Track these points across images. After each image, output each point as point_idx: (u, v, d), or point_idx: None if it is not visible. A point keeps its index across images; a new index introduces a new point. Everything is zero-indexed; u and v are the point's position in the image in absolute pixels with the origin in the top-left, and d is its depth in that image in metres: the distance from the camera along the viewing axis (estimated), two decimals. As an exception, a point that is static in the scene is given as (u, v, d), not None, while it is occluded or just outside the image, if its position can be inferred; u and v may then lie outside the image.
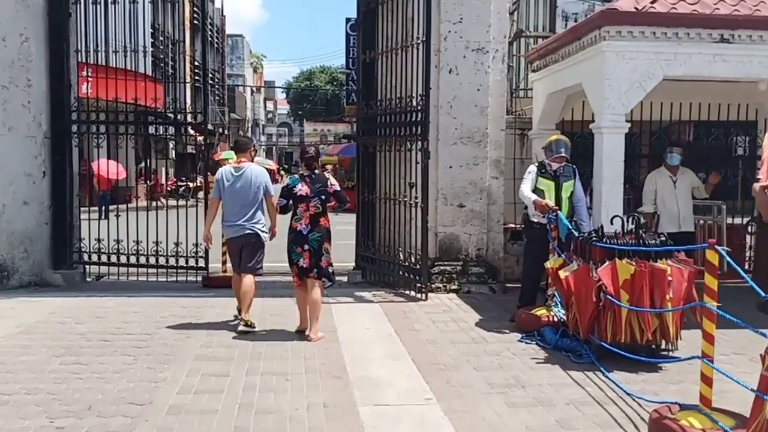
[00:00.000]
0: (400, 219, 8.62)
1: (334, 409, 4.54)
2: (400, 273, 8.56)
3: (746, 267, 8.96)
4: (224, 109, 50.55)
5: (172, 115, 10.18)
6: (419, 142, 8.17)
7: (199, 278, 9.35)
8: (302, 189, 6.35)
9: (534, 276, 7.32)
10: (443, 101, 8.63)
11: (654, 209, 7.88)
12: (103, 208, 15.74)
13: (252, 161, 6.99)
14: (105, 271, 9.76)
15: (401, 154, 8.56)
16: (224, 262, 9.43)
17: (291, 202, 6.41)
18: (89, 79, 10.73)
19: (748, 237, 9.38)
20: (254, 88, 79.97)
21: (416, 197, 8.19)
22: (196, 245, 9.27)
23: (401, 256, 8.56)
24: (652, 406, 4.40)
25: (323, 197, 6.37)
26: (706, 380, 3.97)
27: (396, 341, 6.31)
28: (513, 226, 9.37)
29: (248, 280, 6.69)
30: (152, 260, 9.48)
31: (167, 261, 9.44)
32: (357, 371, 5.38)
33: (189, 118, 10.03)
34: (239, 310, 6.84)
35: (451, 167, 8.68)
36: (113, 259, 9.60)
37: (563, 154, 7.01)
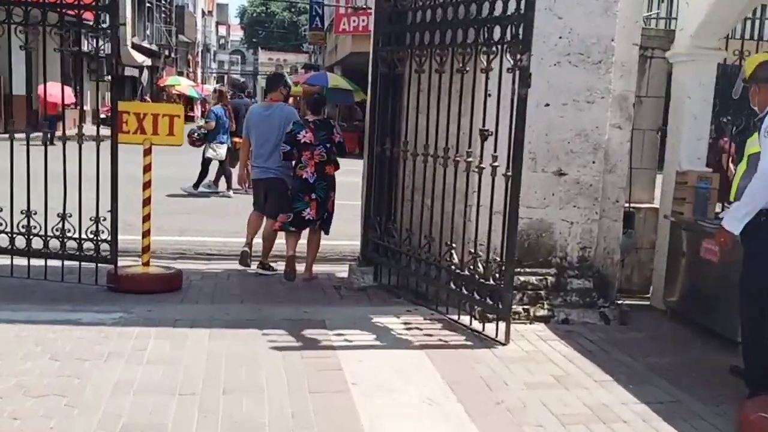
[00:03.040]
0: (449, 192, 4.96)
1: None
2: (452, 286, 4.93)
3: None
4: (171, 29, 45.17)
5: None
6: (507, 56, 4.44)
7: (104, 271, 5.54)
8: (306, 136, 5.88)
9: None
10: (541, -13, 4.86)
11: None
12: (48, 135, 13.55)
13: (283, 101, 6.51)
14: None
15: (460, 78, 4.82)
16: (146, 249, 5.63)
17: (295, 149, 5.91)
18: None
19: None
20: (206, 11, 74.27)
21: (495, 157, 4.51)
22: (97, 220, 5.41)
23: (453, 257, 4.92)
24: None
25: (328, 145, 5.93)
26: None
27: None
28: (627, 206, 5.78)
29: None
30: (21, 242, 5.60)
31: (46, 244, 5.56)
32: None
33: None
34: (248, 246, 6.43)
35: (547, 105, 4.97)
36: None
37: None
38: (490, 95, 4.61)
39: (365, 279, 5.85)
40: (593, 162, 5.09)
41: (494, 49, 4.52)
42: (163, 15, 44.39)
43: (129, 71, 35.46)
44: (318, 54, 47.27)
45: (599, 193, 5.14)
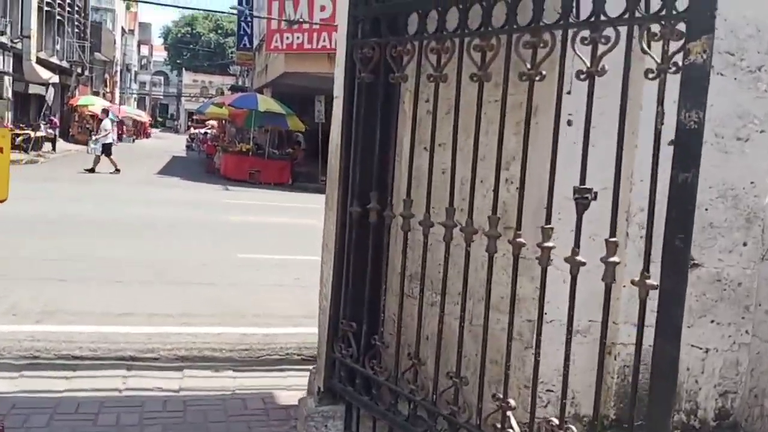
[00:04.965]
0: (499, 295, 2.69)
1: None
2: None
3: None
4: (85, 45, 41.70)
5: None
6: (643, 43, 2.22)
7: None
8: None
9: None
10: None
11: None
12: None
13: None
14: None
15: (527, 90, 2.57)
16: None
17: None
18: None
19: None
20: (127, 29, 70.97)
21: (614, 245, 2.27)
22: None
23: (512, 423, 2.61)
24: None
25: None
26: None
27: None
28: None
29: None
30: None
31: None
32: None
33: None
34: None
35: (670, 145, 2.78)
36: None
37: None
38: (569, 122, 2.40)
39: (330, 427, 3.47)
40: (744, 243, 2.91)
41: (607, 34, 2.29)
42: (76, 30, 40.95)
43: (34, 89, 32.02)
44: (246, 76, 44.82)
45: (752, 297, 2.97)
